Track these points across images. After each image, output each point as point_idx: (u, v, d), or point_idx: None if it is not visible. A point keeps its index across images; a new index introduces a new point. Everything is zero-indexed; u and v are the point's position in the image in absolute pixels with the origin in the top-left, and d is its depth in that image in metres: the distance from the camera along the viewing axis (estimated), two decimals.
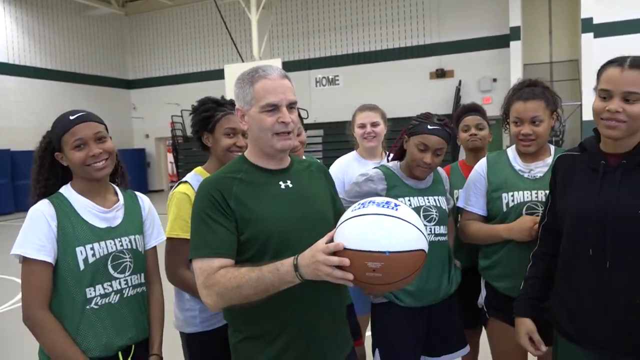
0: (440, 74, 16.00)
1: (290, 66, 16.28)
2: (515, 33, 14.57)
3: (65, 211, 1.77)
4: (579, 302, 1.73)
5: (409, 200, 2.24)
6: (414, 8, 16.37)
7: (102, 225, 1.82)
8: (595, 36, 13.25)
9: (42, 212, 1.74)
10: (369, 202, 1.47)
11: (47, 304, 1.72)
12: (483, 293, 2.40)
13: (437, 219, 2.24)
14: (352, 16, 17.11)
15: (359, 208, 1.46)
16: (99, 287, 1.76)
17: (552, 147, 2.31)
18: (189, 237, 1.75)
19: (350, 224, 1.43)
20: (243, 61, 14.72)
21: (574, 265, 1.75)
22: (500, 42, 14.96)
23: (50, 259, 1.71)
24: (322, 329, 1.67)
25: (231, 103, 2.23)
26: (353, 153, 3.11)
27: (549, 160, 2.25)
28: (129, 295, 1.84)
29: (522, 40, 14.60)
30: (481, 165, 2.38)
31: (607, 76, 1.65)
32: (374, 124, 2.95)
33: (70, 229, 1.75)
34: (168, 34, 20.08)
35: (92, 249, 1.76)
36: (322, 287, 1.48)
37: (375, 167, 2.38)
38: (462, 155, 3.06)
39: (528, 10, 14.79)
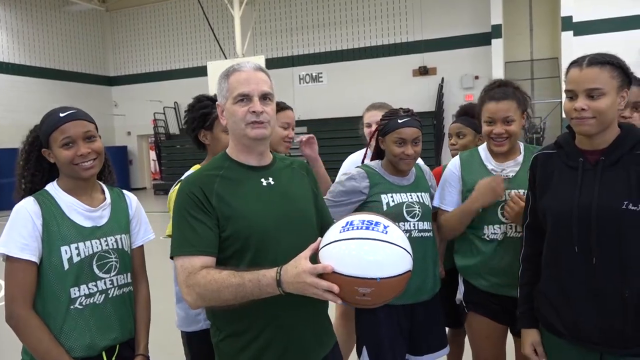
0: (424, 71, 16.07)
1: (273, 63, 16.23)
2: (496, 31, 14.69)
3: (50, 209, 1.74)
4: (567, 299, 1.75)
5: (392, 196, 2.26)
6: (396, 5, 16.41)
7: (87, 224, 1.79)
8: (575, 34, 13.42)
9: (27, 209, 1.71)
10: (360, 222, 1.45)
11: (31, 303, 1.69)
12: (461, 289, 2.42)
13: (420, 214, 2.26)
14: (336, 13, 17.10)
15: (348, 230, 1.43)
16: (83, 287, 1.74)
17: (522, 145, 2.35)
18: None
19: (340, 247, 1.40)
20: (226, 58, 14.63)
21: (560, 263, 1.77)
22: (482, 39, 15.07)
23: (34, 257, 1.69)
24: (305, 327, 1.68)
25: None
26: (364, 150, 3.14)
27: (520, 158, 2.29)
28: (114, 295, 1.82)
29: (504, 38, 14.73)
30: (454, 164, 2.41)
31: (570, 77, 1.71)
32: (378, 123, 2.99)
33: (55, 227, 1.72)
34: (150, 30, 19.88)
35: (77, 248, 1.74)
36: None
37: (357, 167, 2.40)
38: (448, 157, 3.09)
39: (509, 9, 14.93)
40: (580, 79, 1.67)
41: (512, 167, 2.27)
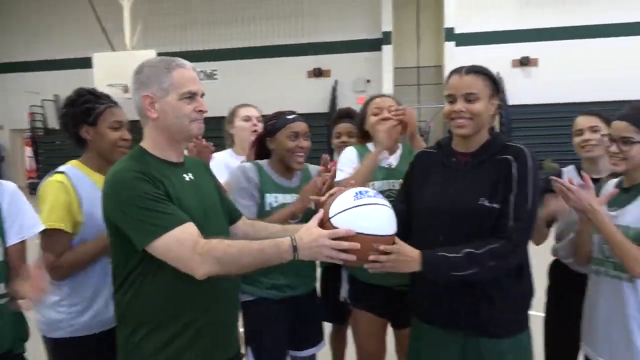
0: (318, 73, 16.37)
1: None
2: (386, 37, 15.37)
3: None
4: (434, 288, 1.92)
5: (276, 197, 2.31)
6: (292, 7, 16.54)
7: None
8: (457, 45, 14.47)
9: None
10: (365, 192, 1.68)
11: None
12: (345, 286, 2.52)
13: (301, 216, 2.32)
14: (231, 11, 16.87)
15: (360, 197, 1.65)
16: None
17: (399, 144, 2.57)
18: (65, 229, 1.85)
19: (360, 211, 1.61)
20: (114, 50, 13.88)
21: None
22: (374, 45, 15.67)
23: None
24: (227, 321, 1.77)
25: (107, 97, 2.16)
26: (228, 151, 3.13)
27: (399, 151, 2.52)
28: None
29: (393, 45, 15.44)
30: (351, 150, 2.54)
31: (450, 83, 1.92)
32: (258, 119, 3.04)
33: None
34: (28, 16, 18.24)
35: None
36: (230, 280, 1.65)
37: (246, 162, 2.42)
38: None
39: (398, 17, 15.68)
40: (459, 84, 1.90)
41: (395, 158, 2.50)
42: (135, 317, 1.64)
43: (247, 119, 3.02)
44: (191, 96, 1.67)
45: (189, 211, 1.61)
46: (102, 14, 14.67)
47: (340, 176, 2.40)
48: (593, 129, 2.46)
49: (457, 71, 1.93)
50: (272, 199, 2.29)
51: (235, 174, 2.36)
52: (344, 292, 2.53)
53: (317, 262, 2.59)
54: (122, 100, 2.27)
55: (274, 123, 2.37)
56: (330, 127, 3.07)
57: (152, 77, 1.66)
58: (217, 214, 1.79)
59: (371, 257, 1.63)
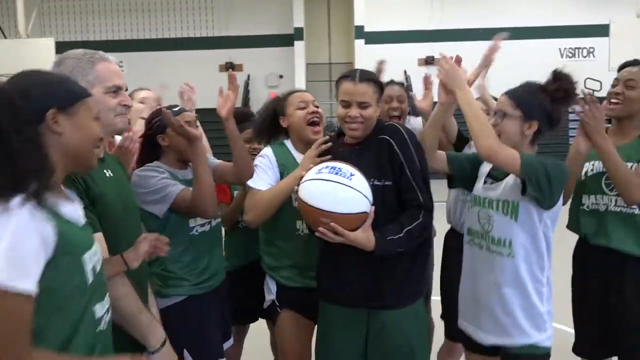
0: (230, 67, 16.14)
1: (65, 47, 14.30)
2: (298, 33, 15.46)
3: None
4: (336, 268, 2.07)
5: None
6: None
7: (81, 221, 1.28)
8: (366, 42, 14.89)
9: None
10: (333, 169, 1.86)
11: None
12: (273, 289, 2.44)
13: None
14: (138, 0, 16.20)
15: (319, 172, 1.86)
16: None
17: None
18: None
19: (312, 185, 1.84)
20: (6, 37, 12.84)
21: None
22: (286, 40, 15.71)
23: None
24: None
25: None
26: None
27: None
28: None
29: (305, 41, 15.58)
30: (267, 151, 2.46)
31: (345, 89, 2.06)
32: (156, 101, 2.98)
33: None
34: None
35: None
36: (137, 273, 1.63)
37: (150, 165, 2.24)
38: None
39: (310, 14, 15.83)
40: (354, 92, 2.03)
41: None
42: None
43: (142, 102, 2.94)
44: (116, 90, 1.68)
45: (111, 206, 1.63)
46: None
47: (258, 185, 2.31)
48: None
49: (350, 77, 2.05)
50: None
51: (146, 176, 2.13)
52: (271, 295, 2.46)
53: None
54: None
55: (161, 118, 2.17)
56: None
57: (76, 69, 1.63)
58: (134, 210, 1.84)
59: (319, 229, 1.82)
